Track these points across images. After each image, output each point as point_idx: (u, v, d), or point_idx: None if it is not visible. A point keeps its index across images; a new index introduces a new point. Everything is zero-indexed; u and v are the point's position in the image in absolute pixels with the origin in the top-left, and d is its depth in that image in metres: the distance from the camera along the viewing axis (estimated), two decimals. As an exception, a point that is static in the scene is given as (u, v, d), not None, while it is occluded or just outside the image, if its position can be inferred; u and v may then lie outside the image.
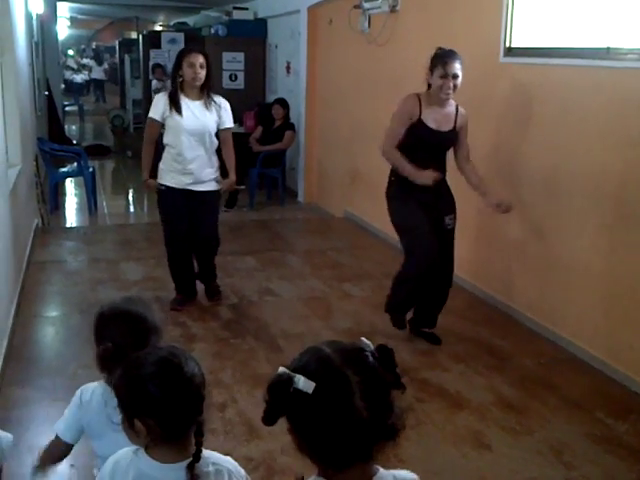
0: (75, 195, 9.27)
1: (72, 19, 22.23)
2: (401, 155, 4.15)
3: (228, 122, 4.82)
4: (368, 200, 7.26)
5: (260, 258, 6.26)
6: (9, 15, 5.64)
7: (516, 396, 3.77)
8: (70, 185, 9.62)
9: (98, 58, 26.33)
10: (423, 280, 4.29)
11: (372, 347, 1.32)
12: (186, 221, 4.82)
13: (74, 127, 17.51)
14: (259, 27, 10.39)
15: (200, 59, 4.56)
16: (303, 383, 1.24)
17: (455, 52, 4.14)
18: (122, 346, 1.91)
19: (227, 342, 4.42)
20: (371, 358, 1.30)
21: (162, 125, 4.74)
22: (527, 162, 4.69)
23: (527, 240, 4.74)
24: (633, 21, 3.85)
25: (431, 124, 4.13)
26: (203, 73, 4.58)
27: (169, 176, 4.73)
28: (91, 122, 18.82)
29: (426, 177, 4.08)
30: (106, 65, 25.43)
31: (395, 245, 6.52)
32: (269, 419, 1.28)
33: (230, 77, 10.29)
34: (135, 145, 12.75)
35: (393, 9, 6.32)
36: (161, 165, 4.79)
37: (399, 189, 4.28)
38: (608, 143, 4.00)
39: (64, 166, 8.93)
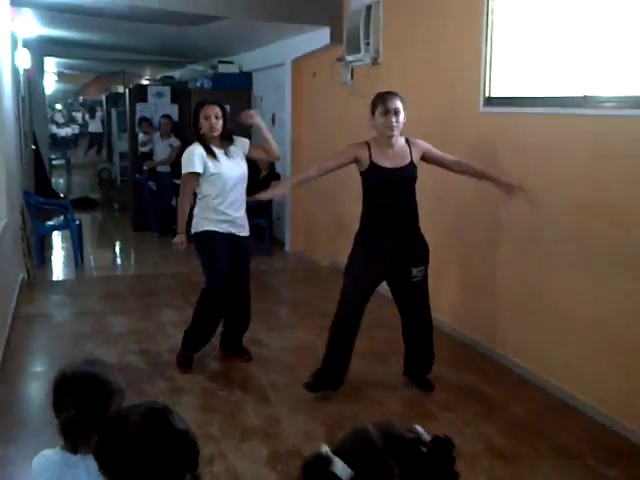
0: (62, 248, 9.25)
1: (59, 74, 22.46)
2: (307, 172, 4.53)
3: (245, 143, 4.81)
4: (354, 249, 7.28)
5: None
6: (-4, 72, 5.71)
7: (506, 444, 3.74)
8: (57, 238, 9.61)
9: (92, 111, 26.54)
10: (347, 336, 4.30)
11: (427, 437, 1.20)
12: (228, 266, 4.71)
13: (61, 180, 17.56)
14: (244, 80, 10.54)
15: (215, 110, 4.61)
16: (341, 469, 1.14)
17: (394, 92, 4.19)
18: (86, 412, 1.81)
19: (214, 394, 4.38)
20: (424, 450, 1.17)
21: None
22: (510, 209, 4.74)
23: (513, 285, 4.76)
24: (609, 69, 3.95)
25: (385, 164, 4.11)
26: (220, 123, 4.62)
27: (211, 224, 4.66)
28: (78, 175, 18.88)
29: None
30: (100, 117, 25.65)
31: (383, 294, 6.53)
32: None
33: (216, 129, 10.39)
34: (122, 198, 12.81)
35: (375, 61, 6.45)
36: (199, 215, 4.69)
37: (364, 235, 4.26)
38: (589, 189, 4.05)
39: (51, 219, 8.93)
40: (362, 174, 4.20)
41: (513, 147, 4.69)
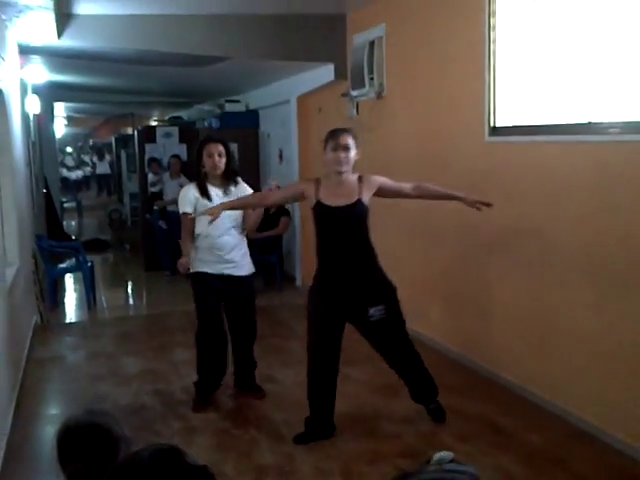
0: (74, 290, 9.30)
1: (69, 117, 22.76)
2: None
3: (248, 191, 4.78)
4: (365, 281, 7.28)
5: (260, 345, 6.19)
6: (6, 117, 5.80)
7: (524, 474, 3.69)
8: (69, 280, 9.66)
9: (99, 154, 26.88)
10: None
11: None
12: (220, 304, 4.73)
13: (73, 223, 17.69)
14: (251, 118, 10.66)
15: (219, 148, 4.61)
16: None
17: (346, 129, 4.19)
18: (92, 463, 1.80)
19: (228, 433, 4.36)
20: None
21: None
22: (517, 238, 4.74)
23: (528, 314, 4.74)
24: (612, 95, 3.98)
25: (330, 202, 4.03)
26: (223, 161, 4.62)
27: (205, 265, 4.68)
28: (89, 217, 19.04)
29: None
30: (108, 159, 25.95)
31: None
32: None
33: (225, 167, 10.49)
34: (133, 238, 12.89)
35: (379, 95, 6.51)
36: (195, 255, 4.69)
37: (317, 281, 4.23)
38: (595, 215, 4.05)
39: (63, 262, 8.99)
40: (312, 211, 4.13)
41: (519, 176, 4.70)
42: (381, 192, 4.20)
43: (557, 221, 4.38)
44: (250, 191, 4.80)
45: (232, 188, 4.70)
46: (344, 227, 4.05)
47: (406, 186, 4.29)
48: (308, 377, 4.29)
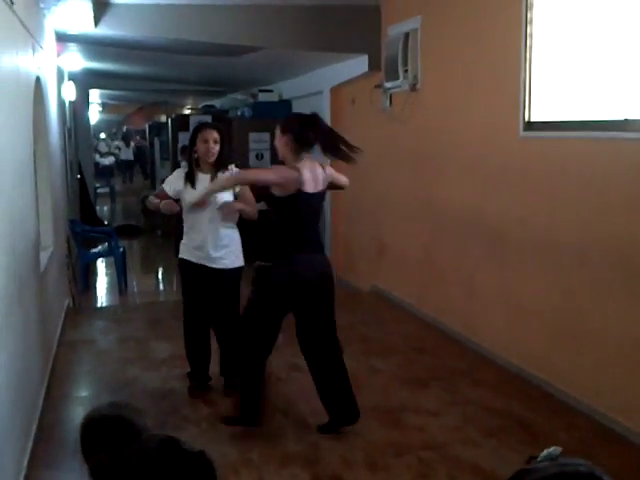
0: (106, 275, 9.42)
1: (103, 104, 23.01)
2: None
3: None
4: (395, 273, 7.28)
5: (287, 334, 6.23)
6: (44, 104, 5.88)
7: (551, 472, 3.67)
8: (101, 265, 9.78)
9: (126, 140, 27.07)
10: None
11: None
12: (203, 296, 4.68)
13: (105, 208, 17.89)
14: (284, 108, 10.67)
15: (214, 134, 4.53)
16: None
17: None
18: (114, 454, 1.79)
19: (255, 420, 4.39)
20: None
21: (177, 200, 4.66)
22: (552, 235, 4.70)
23: (558, 311, 4.71)
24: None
25: (310, 189, 3.96)
26: (216, 148, 4.52)
27: (187, 251, 4.68)
28: (122, 203, 19.23)
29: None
30: (133, 147, 26.11)
31: (424, 319, 6.52)
32: None
33: (257, 156, 10.54)
34: (164, 224, 12.99)
35: (413, 88, 6.48)
36: (183, 240, 4.74)
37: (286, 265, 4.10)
38: (631, 213, 4.01)
39: (95, 246, 9.11)
40: (283, 200, 3.95)
41: (553, 172, 4.66)
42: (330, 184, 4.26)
43: (590, 219, 4.33)
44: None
45: (220, 175, 4.54)
46: (319, 212, 4.19)
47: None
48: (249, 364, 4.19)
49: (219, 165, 4.58)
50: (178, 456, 1.48)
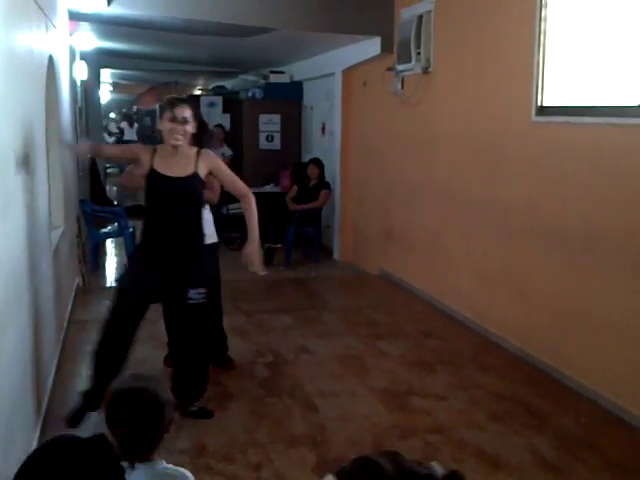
0: (115, 255, 9.46)
1: (114, 84, 22.96)
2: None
3: None
4: (403, 257, 7.29)
5: (296, 316, 6.29)
6: (55, 83, 5.88)
7: (556, 456, 3.69)
8: (110, 245, 9.82)
9: (130, 120, 27.00)
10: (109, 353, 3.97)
11: (440, 471, 1.12)
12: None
13: (115, 188, 17.91)
14: (295, 90, 10.65)
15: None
16: None
17: (185, 99, 4.03)
18: (139, 427, 1.87)
19: (262, 401, 4.42)
20: None
21: None
22: (562, 220, 4.69)
23: (566, 297, 4.70)
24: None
25: (163, 171, 3.86)
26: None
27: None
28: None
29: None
30: (136, 127, 26.04)
31: (431, 302, 6.53)
32: None
33: (267, 138, 10.52)
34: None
35: (426, 71, 6.45)
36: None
37: (139, 249, 4.06)
38: (643, 200, 3.99)
39: (105, 227, 9.13)
40: (145, 179, 3.93)
41: (565, 157, 4.64)
42: (215, 176, 4.05)
43: (601, 205, 4.32)
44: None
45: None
46: (177, 199, 3.90)
47: (239, 190, 4.07)
48: (100, 345, 4.04)
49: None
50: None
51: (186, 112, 3.85)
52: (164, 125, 3.86)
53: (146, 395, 1.92)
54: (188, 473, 1.95)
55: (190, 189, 3.91)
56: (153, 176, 3.88)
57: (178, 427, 3.95)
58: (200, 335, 4.05)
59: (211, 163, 3.98)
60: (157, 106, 4.03)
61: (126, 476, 1.88)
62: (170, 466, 1.95)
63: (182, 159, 3.90)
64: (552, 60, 4.82)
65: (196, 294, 3.90)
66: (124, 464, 1.88)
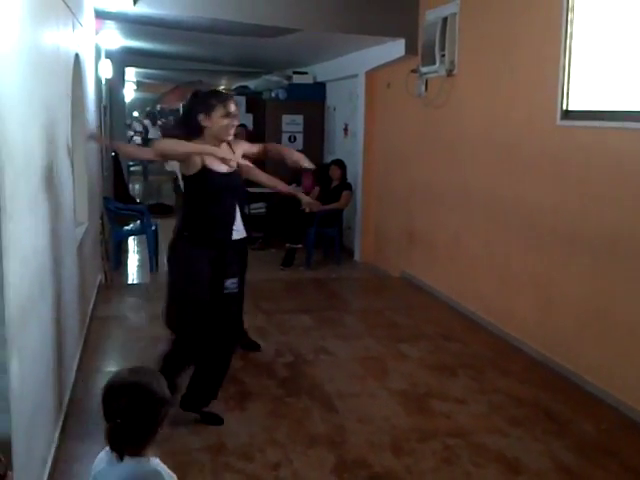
0: (137, 252, 9.52)
1: (138, 83, 23.11)
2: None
3: None
4: (425, 260, 7.27)
5: (316, 317, 6.29)
6: (82, 82, 5.94)
7: (576, 462, 3.66)
8: (133, 243, 9.89)
9: (153, 119, 27.16)
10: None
11: None
12: None
13: (137, 186, 18.04)
14: (318, 90, 10.66)
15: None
16: None
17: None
18: (130, 420, 1.89)
19: (282, 400, 4.43)
20: None
21: None
22: (586, 223, 4.65)
23: (589, 302, 4.67)
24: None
25: (215, 167, 3.82)
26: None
27: None
28: (154, 181, 19.36)
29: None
30: (159, 125, 26.18)
31: (453, 306, 6.51)
32: None
33: (289, 138, 10.53)
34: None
35: (450, 73, 6.43)
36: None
37: (189, 244, 3.94)
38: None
39: (128, 224, 9.19)
40: (190, 178, 3.87)
41: (590, 161, 4.61)
42: (245, 153, 4.12)
43: (624, 209, 4.28)
44: None
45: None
46: (229, 193, 3.97)
47: (261, 148, 4.27)
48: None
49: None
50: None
51: (235, 106, 3.90)
52: (216, 121, 3.81)
53: (140, 389, 1.94)
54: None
55: (238, 184, 4.04)
56: (207, 173, 3.83)
57: (198, 425, 3.99)
58: (233, 325, 4.10)
59: (239, 148, 4.07)
60: (193, 101, 3.99)
61: (111, 469, 1.93)
62: (162, 467, 1.96)
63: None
64: (578, 64, 4.78)
65: (231, 284, 3.97)
66: (113, 456, 1.93)
